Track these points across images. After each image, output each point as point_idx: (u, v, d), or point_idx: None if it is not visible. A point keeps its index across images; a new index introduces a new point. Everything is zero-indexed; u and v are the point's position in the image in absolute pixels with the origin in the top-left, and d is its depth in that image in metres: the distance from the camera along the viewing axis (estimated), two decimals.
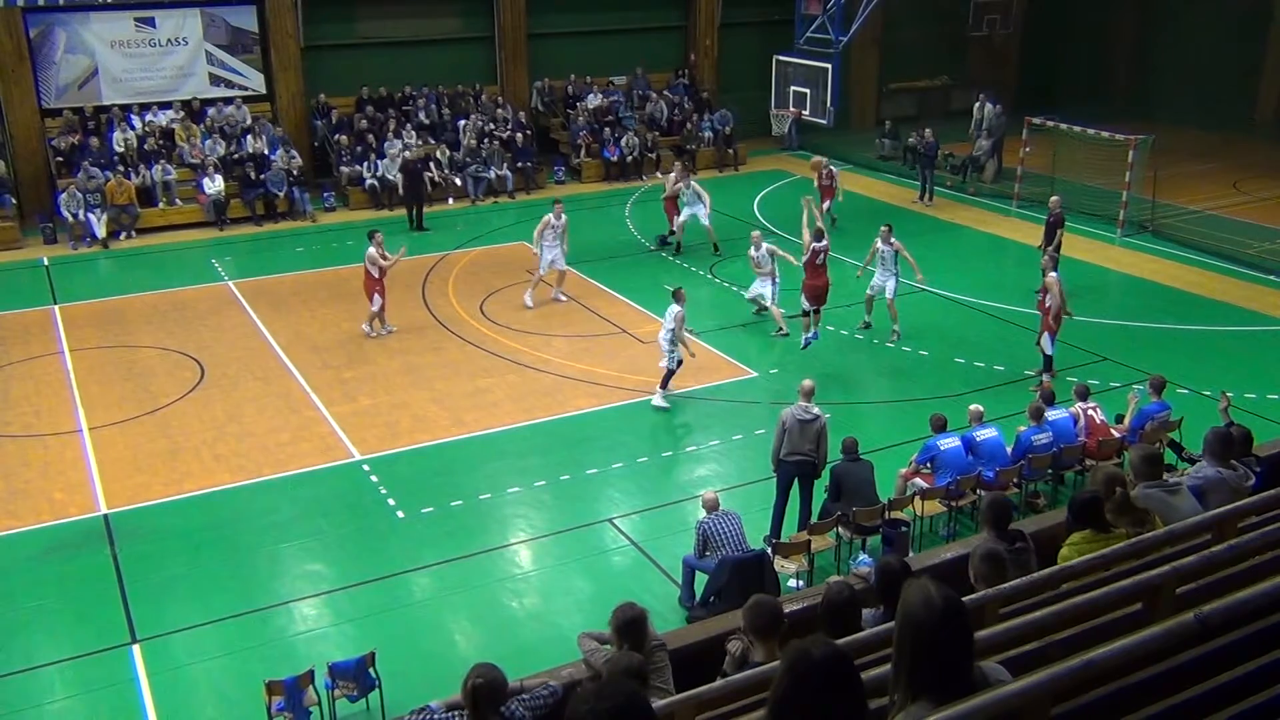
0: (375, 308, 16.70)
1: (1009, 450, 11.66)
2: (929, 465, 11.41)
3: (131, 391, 14.99)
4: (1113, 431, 12.16)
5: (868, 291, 16.73)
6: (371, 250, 16.48)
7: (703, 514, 10.15)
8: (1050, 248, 17.70)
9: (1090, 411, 12.19)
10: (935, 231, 22.34)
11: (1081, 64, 31.30)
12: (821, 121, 24.40)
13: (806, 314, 15.60)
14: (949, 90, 32.60)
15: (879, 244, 16.40)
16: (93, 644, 9.75)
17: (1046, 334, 14.43)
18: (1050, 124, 22.75)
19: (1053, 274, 14.51)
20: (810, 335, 15.48)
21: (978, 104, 26.38)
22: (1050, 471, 11.82)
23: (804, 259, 15.56)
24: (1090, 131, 22.08)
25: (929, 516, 11.26)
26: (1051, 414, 11.86)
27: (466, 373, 15.57)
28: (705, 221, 20.42)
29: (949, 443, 11.34)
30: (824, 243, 15.46)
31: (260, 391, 14.99)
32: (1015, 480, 11.60)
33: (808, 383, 11.17)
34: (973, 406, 12.11)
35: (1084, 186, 22.41)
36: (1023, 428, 11.76)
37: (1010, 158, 24.71)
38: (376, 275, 16.50)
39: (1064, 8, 31.30)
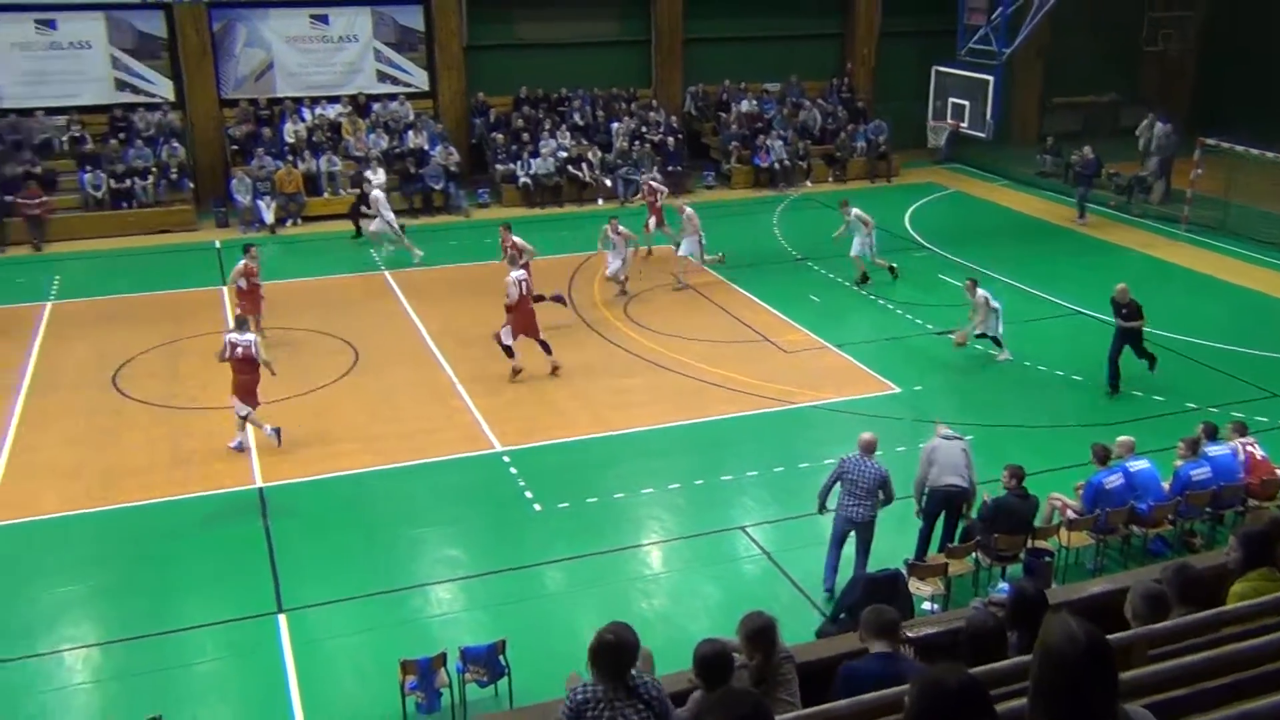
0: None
1: (1164, 484, 11.14)
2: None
3: (289, 372, 15.60)
4: (1277, 471, 11.50)
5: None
6: (247, 263, 16.27)
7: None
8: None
9: (1249, 448, 11.56)
10: (1093, 252, 21.55)
11: (1261, 83, 29.64)
12: (980, 134, 23.83)
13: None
14: (1118, 107, 31.32)
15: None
16: (243, 610, 10.22)
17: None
18: (1225, 146, 21.67)
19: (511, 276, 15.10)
20: None
21: (1145, 122, 25.32)
22: (1209, 510, 11.25)
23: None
24: (1270, 155, 20.93)
25: (1075, 548, 10.85)
26: (1212, 449, 11.28)
27: (608, 372, 15.76)
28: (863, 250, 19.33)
29: (1113, 480, 10.82)
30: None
31: (410, 379, 15.47)
32: (1170, 517, 11.08)
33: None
34: (1123, 438, 11.55)
35: (1261, 213, 21.23)
36: (1179, 461, 11.24)
37: (1180, 179, 23.64)
38: (248, 290, 16.23)
39: (1244, 25, 29.69)
